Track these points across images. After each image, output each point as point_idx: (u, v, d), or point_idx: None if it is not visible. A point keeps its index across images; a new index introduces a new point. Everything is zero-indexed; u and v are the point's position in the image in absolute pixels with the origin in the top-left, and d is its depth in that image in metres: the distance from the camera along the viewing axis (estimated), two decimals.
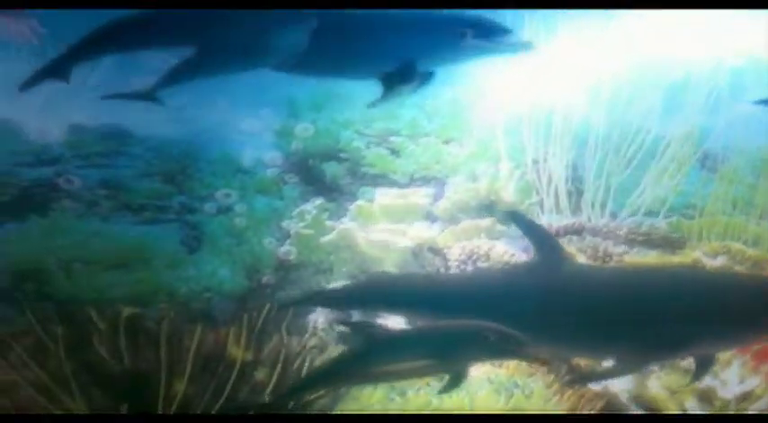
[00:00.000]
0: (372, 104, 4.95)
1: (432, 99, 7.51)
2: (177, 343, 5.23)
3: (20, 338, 5.34)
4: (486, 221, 6.49)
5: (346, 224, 6.78)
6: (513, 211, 6.15)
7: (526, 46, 4.82)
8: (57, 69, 4.87)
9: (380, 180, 7.30)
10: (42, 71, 4.90)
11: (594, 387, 5.58)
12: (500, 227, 6.51)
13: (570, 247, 6.29)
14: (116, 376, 5.18)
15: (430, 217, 6.84)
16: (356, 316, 5.94)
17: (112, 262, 6.49)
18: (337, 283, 6.59)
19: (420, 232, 6.62)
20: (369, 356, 4.33)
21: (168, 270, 6.51)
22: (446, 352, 4.21)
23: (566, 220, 6.89)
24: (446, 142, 7.44)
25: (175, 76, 4.89)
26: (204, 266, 6.55)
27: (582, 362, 5.67)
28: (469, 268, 6.22)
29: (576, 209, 7.11)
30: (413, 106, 7.46)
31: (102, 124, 7.38)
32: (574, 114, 7.07)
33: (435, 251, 6.51)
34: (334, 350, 5.90)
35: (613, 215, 7.03)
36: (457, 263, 6.31)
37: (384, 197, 6.89)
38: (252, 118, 7.17)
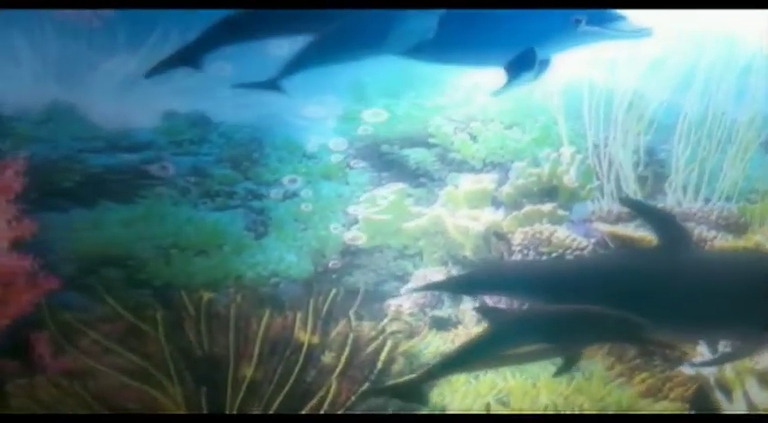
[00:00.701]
0: (496, 93, 4.96)
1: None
2: (245, 327, 5.40)
3: (99, 325, 5.51)
4: (548, 206, 6.51)
5: (436, 210, 6.83)
6: (632, 199, 6.22)
7: (642, 32, 4.76)
8: (188, 58, 4.97)
9: (462, 166, 7.34)
10: (173, 59, 5.00)
11: (687, 371, 5.64)
12: (562, 212, 6.52)
13: (629, 232, 6.31)
14: (197, 360, 5.36)
15: (495, 202, 6.86)
16: (478, 302, 6.11)
17: (199, 248, 6.64)
18: (431, 269, 6.75)
19: (488, 217, 6.66)
20: (495, 341, 4.45)
21: (235, 255, 6.62)
22: (565, 336, 4.31)
23: None
24: (509, 127, 7.48)
25: (299, 64, 4.95)
26: (271, 252, 6.63)
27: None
28: (532, 253, 6.30)
29: (654, 193, 7.16)
30: (483, 91, 7.47)
31: (192, 111, 7.42)
32: (640, 98, 7.10)
33: (500, 236, 6.56)
34: (427, 335, 6.08)
35: (698, 199, 7.05)
36: (520, 248, 6.37)
37: (464, 182, 6.94)
38: (316, 104, 7.14)
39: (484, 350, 4.51)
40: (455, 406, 5.53)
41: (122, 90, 6.68)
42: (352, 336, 5.41)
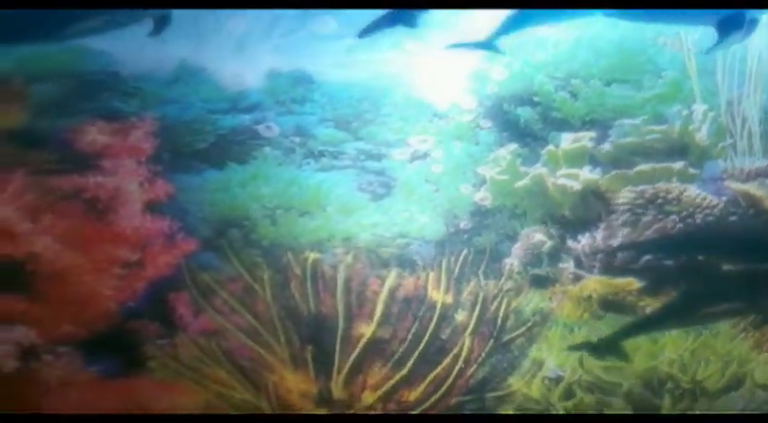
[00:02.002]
0: (707, 51, 4.94)
1: (598, 40, 7.50)
2: (359, 287, 5.43)
3: (227, 285, 5.56)
4: (678, 165, 6.48)
5: (539, 169, 6.82)
6: None
7: None
8: (403, 17, 5.02)
9: (563, 124, 7.34)
10: (387, 19, 5.06)
11: None
12: (693, 170, 6.51)
13: (761, 190, 6.27)
14: (303, 320, 5.41)
15: (593, 161, 6.87)
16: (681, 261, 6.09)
17: (304, 209, 6.64)
18: (532, 228, 6.78)
19: (587, 176, 6.68)
20: (695, 300, 4.48)
21: (343, 216, 6.64)
22: (761, 294, 4.32)
23: (758, 162, 6.87)
24: (609, 84, 7.45)
25: (512, 25, 4.97)
26: (396, 213, 6.69)
27: None
28: (652, 213, 6.29)
29: None
30: (585, 47, 7.45)
31: (295, 69, 7.48)
32: None
33: (598, 195, 6.57)
34: (529, 293, 6.16)
35: None
36: (628, 207, 6.38)
37: (565, 141, 6.93)
38: (442, 60, 7.16)
39: (683, 310, 4.53)
40: (552, 360, 5.73)
41: (239, 50, 6.68)
42: (481, 295, 5.46)
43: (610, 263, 6.36)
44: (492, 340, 5.41)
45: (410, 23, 5.17)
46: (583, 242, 6.55)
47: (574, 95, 7.41)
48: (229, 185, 6.68)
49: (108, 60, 6.97)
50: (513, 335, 5.51)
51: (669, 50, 7.33)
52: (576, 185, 6.60)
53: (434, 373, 5.23)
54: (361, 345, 5.27)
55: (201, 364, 5.37)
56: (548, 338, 5.85)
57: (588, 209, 6.63)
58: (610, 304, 6.25)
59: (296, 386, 5.28)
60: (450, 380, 5.21)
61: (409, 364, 5.24)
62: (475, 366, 5.31)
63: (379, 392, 5.23)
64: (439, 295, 5.40)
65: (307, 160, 7.14)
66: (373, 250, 6.28)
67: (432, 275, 5.49)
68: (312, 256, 5.54)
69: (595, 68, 7.50)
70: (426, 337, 5.28)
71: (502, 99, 7.38)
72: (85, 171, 5.46)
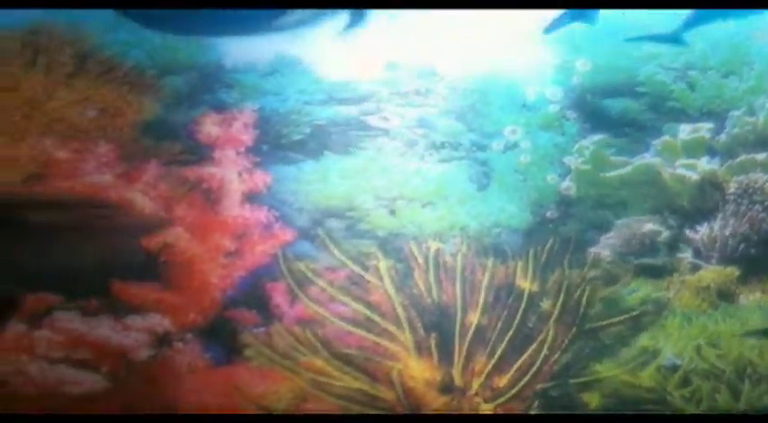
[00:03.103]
0: None
1: (715, 30, 7.45)
2: (471, 276, 5.59)
3: (325, 274, 5.66)
4: (762, 156, 6.49)
5: (648, 159, 6.86)
6: None
7: None
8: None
9: (680, 115, 7.26)
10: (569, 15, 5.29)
11: None
12: None
13: None
14: (426, 308, 5.55)
15: (711, 151, 6.87)
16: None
17: (427, 199, 6.76)
18: (638, 218, 6.80)
19: (704, 166, 6.72)
20: None
21: (460, 206, 6.72)
22: None
23: None
24: (725, 76, 7.40)
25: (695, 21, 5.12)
26: (493, 202, 6.75)
27: None
28: (746, 202, 6.33)
29: None
30: (702, 38, 7.40)
31: (415, 62, 7.49)
32: None
33: (715, 185, 6.61)
34: (631, 282, 6.28)
35: None
36: (734, 197, 6.43)
37: (681, 131, 6.96)
38: (534, 52, 7.18)
39: None
40: (668, 348, 5.67)
41: (343, 42, 6.75)
42: (565, 283, 5.57)
43: (726, 252, 6.40)
44: (575, 328, 5.52)
45: (590, 20, 5.42)
46: (701, 232, 6.58)
47: (690, 86, 7.35)
48: (327, 176, 6.76)
49: (217, 52, 7.15)
50: (604, 323, 5.62)
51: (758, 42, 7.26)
52: (695, 176, 6.66)
53: (521, 359, 5.38)
54: (471, 332, 5.45)
55: (296, 353, 5.49)
56: (664, 328, 5.84)
57: (705, 199, 6.66)
58: (724, 294, 6.29)
59: (420, 374, 5.41)
60: (535, 366, 5.34)
61: (498, 351, 5.40)
62: (558, 353, 5.44)
63: (481, 379, 5.39)
64: (526, 284, 5.55)
65: (429, 151, 7.19)
66: (479, 239, 6.34)
67: (520, 264, 5.62)
68: (434, 245, 5.71)
69: (711, 61, 7.43)
70: (515, 325, 5.45)
71: (586, 90, 7.33)
72: (204, 162, 5.84)
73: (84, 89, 5.64)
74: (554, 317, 5.49)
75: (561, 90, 7.17)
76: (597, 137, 7.00)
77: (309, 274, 5.63)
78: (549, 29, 5.62)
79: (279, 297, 5.84)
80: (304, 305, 5.66)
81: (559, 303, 5.51)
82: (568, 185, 6.74)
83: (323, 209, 6.57)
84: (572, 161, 6.91)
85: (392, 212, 6.67)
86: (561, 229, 6.73)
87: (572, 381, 5.49)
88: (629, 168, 6.79)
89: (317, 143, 7.03)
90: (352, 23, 6.33)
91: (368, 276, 5.61)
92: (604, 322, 5.62)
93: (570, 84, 7.17)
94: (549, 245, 5.73)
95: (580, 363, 5.55)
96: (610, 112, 7.35)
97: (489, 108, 7.31)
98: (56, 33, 5.43)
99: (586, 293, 5.58)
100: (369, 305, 5.56)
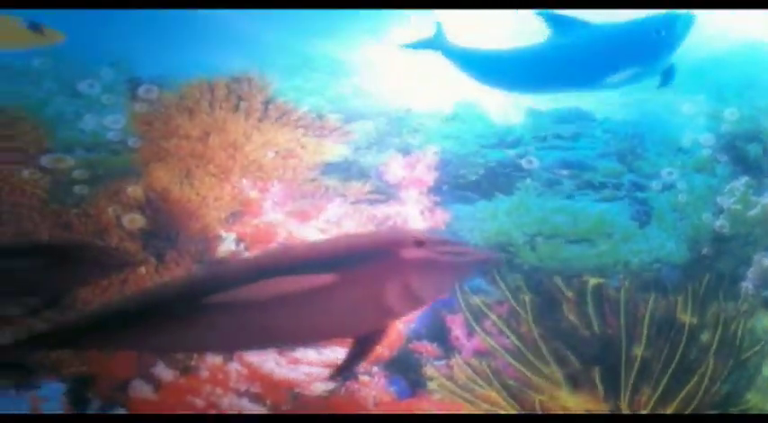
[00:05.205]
0: None
1: None
2: (633, 310, 5.95)
3: (494, 307, 6.09)
4: None
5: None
6: None
7: None
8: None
9: None
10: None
11: None
12: None
13: None
14: (585, 341, 5.92)
15: None
16: None
17: (576, 236, 6.90)
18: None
19: None
20: None
21: (623, 243, 6.84)
22: None
23: None
24: None
25: None
26: (654, 240, 6.93)
27: None
28: None
29: None
30: None
31: (556, 108, 7.87)
32: None
33: None
34: (757, 312, 6.39)
35: None
36: None
37: None
38: (689, 102, 7.49)
39: None
40: None
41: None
42: (722, 316, 5.94)
43: None
44: (732, 359, 5.86)
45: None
46: None
47: None
48: (497, 214, 6.96)
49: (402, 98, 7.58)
50: (750, 353, 5.95)
51: None
52: None
53: (685, 390, 5.71)
54: (636, 365, 5.78)
55: (474, 385, 5.86)
56: None
57: None
58: None
59: (577, 406, 5.74)
60: (697, 398, 5.67)
61: (663, 383, 5.74)
62: (718, 384, 5.75)
63: (646, 411, 5.70)
64: (686, 317, 5.91)
65: (583, 191, 7.53)
66: (639, 274, 6.54)
67: (680, 299, 6.00)
68: (593, 280, 6.10)
69: None
70: (677, 357, 5.79)
71: (735, 137, 7.49)
72: (391, 201, 6.14)
73: (266, 132, 5.82)
74: (713, 348, 5.83)
75: (713, 136, 7.41)
76: (744, 178, 7.09)
77: (484, 308, 6.04)
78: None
79: (458, 330, 6.18)
80: (480, 338, 6.03)
81: (717, 335, 5.85)
82: (722, 223, 6.98)
83: (493, 245, 6.76)
84: (725, 201, 7.04)
85: (533, 248, 6.83)
86: (716, 264, 6.89)
87: (732, 410, 5.77)
88: (758, 208, 6.96)
89: (489, 183, 7.40)
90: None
91: (519, 309, 6.01)
92: (750, 353, 5.96)
93: (720, 130, 7.41)
94: (706, 280, 6.11)
95: (737, 392, 5.87)
96: (749, 155, 7.51)
97: (648, 151, 7.69)
98: (254, 82, 5.70)
99: (741, 326, 5.94)
100: (520, 337, 5.95)
